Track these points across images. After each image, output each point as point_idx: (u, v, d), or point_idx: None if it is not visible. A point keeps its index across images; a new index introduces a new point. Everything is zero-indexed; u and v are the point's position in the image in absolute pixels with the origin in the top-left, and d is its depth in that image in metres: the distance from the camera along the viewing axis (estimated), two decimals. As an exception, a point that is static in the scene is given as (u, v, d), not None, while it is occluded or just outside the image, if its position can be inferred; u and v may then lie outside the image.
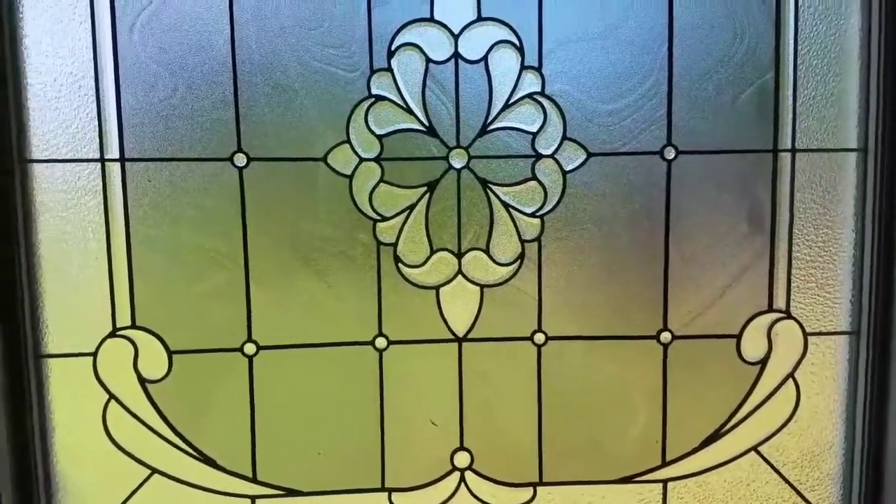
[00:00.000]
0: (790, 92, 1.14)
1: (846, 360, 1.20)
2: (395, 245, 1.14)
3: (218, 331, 1.14)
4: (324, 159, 1.11)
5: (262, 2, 1.08)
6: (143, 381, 1.14)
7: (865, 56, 1.13)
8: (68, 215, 1.10)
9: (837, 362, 1.20)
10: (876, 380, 1.17)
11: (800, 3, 1.13)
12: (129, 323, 1.13)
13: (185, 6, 1.08)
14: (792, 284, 1.18)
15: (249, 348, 1.14)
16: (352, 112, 1.10)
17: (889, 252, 1.14)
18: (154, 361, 1.14)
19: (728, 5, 1.12)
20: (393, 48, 1.09)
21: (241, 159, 1.11)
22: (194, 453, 1.15)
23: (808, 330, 1.19)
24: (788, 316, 1.19)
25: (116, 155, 1.09)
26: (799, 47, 1.13)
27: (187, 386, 1.15)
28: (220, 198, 1.12)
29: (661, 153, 1.14)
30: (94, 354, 1.13)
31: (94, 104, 1.08)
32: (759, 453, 1.21)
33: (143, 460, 1.15)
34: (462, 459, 1.19)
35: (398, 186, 1.12)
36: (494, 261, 1.15)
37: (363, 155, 1.11)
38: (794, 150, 1.15)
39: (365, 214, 1.13)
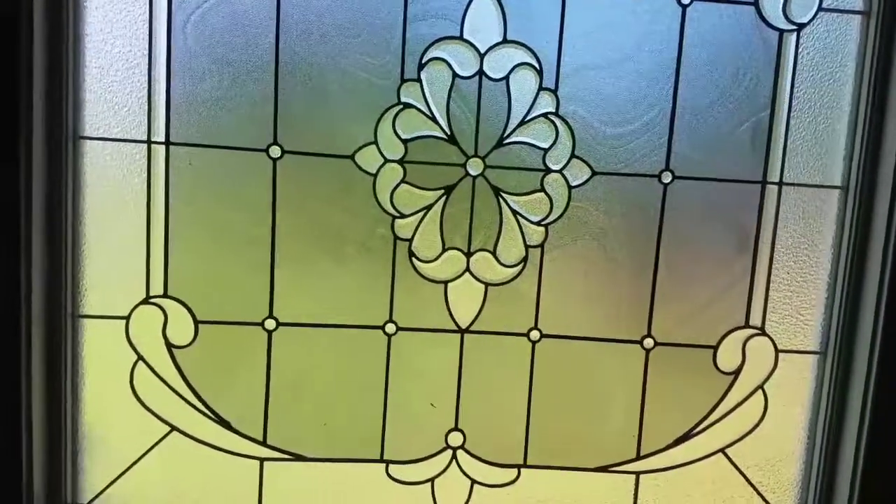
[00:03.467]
0: (783, 129, 1.24)
1: (813, 378, 1.31)
2: (410, 241, 1.24)
3: (242, 305, 1.24)
4: (352, 157, 1.21)
5: (307, 9, 1.17)
6: (170, 346, 1.24)
7: (855, 102, 1.23)
8: (114, 190, 1.19)
9: (804, 378, 1.31)
10: (837, 397, 1.28)
11: (799, 48, 1.22)
12: (161, 292, 1.22)
13: (236, 7, 1.17)
14: (768, 304, 1.29)
15: (270, 323, 1.24)
16: (381, 116, 1.20)
17: (859, 283, 1.24)
18: (182, 328, 1.23)
19: (733, 46, 1.22)
20: (423, 61, 1.19)
21: (275, 151, 1.20)
22: (211, 415, 1.26)
23: (779, 347, 1.30)
24: (763, 333, 1.29)
25: (162, 138, 1.19)
26: (795, 89, 1.23)
27: (210, 354, 1.25)
28: (254, 185, 1.21)
29: (659, 177, 1.24)
30: (127, 318, 1.22)
31: (146, 90, 1.17)
32: (726, 455, 1.32)
33: (164, 418, 1.25)
34: (455, 439, 1.29)
35: (418, 188, 1.22)
36: (500, 262, 1.25)
37: (388, 156, 1.21)
38: (781, 184, 1.25)
39: (385, 211, 1.22)
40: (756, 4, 1.21)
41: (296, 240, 1.23)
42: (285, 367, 1.26)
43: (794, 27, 1.22)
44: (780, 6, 1.21)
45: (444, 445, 1.30)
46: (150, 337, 1.23)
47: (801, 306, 1.29)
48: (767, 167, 1.25)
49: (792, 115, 1.24)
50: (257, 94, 1.19)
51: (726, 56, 1.22)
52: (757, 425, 1.31)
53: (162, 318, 1.23)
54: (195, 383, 1.25)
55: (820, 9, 1.21)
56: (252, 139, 1.20)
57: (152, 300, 1.22)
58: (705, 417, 1.31)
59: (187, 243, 1.22)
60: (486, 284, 1.26)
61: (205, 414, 1.26)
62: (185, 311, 1.23)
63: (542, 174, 1.23)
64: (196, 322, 1.23)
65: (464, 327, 1.27)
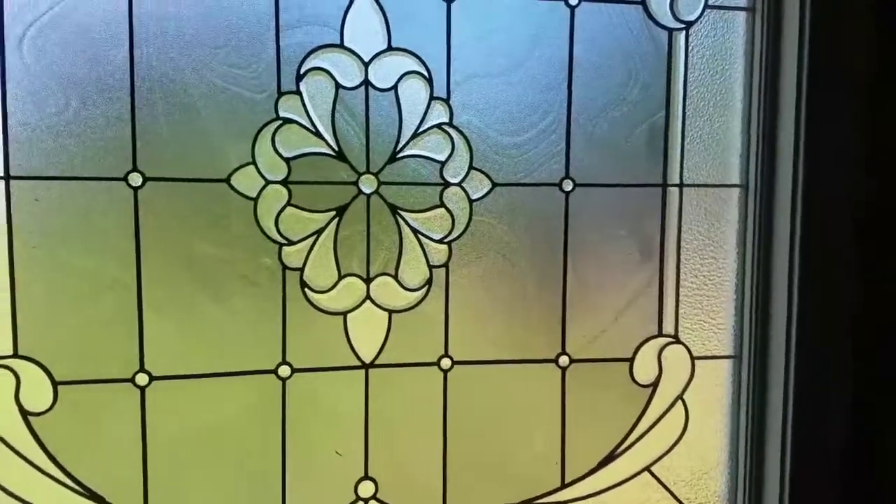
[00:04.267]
0: (679, 130, 1.22)
1: (730, 383, 1.28)
2: (301, 270, 1.12)
3: (108, 360, 1.08)
4: (227, 181, 1.08)
5: (164, 18, 1.05)
6: (25, 413, 1.06)
7: (747, 99, 1.23)
8: (-57, 235, 1.02)
9: (722, 384, 1.28)
10: (756, 401, 1.25)
11: (689, 49, 1.21)
12: (10, 352, 1.05)
13: (80, 19, 1.03)
14: (680, 310, 1.25)
15: (142, 378, 1.09)
16: (258, 133, 1.08)
17: (767, 282, 1.23)
18: (38, 392, 1.06)
19: (624, 47, 1.18)
20: (302, 72, 1.09)
21: (136, 179, 1.06)
22: (81, 490, 1.08)
23: (694, 354, 1.26)
24: (677, 340, 1.25)
25: (1, 172, 1.02)
26: (688, 88, 1.21)
27: (74, 419, 1.08)
28: (113, 219, 1.06)
29: (559, 185, 1.19)
30: (-31, 386, 1.04)
31: (-23, 117, 1.01)
32: (652, 473, 1.26)
33: (26, 499, 1.06)
34: (366, 489, 1.17)
35: (306, 210, 1.11)
36: (403, 286, 1.15)
37: (269, 177, 1.09)
38: (681, 185, 1.23)
39: (270, 238, 1.10)
40: (644, 4, 1.18)
41: (166, 280, 1.09)
42: (164, 426, 1.10)
43: (683, 25, 1.20)
44: (668, 4, 1.19)
45: (355, 497, 1.17)
46: (1, 405, 1.05)
47: (712, 310, 1.26)
48: (667, 169, 1.22)
49: (687, 115, 1.22)
50: (111, 115, 1.04)
51: (618, 58, 1.19)
52: (680, 438, 1.26)
53: (13, 381, 1.05)
54: (59, 455, 1.07)
55: (706, 6, 1.21)
56: (108, 167, 1.05)
57: (0, 362, 1.05)
58: (627, 434, 1.25)
59: (38, 293, 1.05)
60: (390, 312, 1.15)
61: (73, 490, 1.08)
62: (40, 371, 1.06)
63: (440, 188, 1.15)
64: (54, 383, 1.06)
65: (368, 362, 1.15)
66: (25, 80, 1.02)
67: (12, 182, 1.03)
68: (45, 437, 1.07)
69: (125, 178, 1.06)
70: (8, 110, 1.02)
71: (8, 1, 1.01)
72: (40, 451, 1.07)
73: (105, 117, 1.04)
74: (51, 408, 1.06)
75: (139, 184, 1.06)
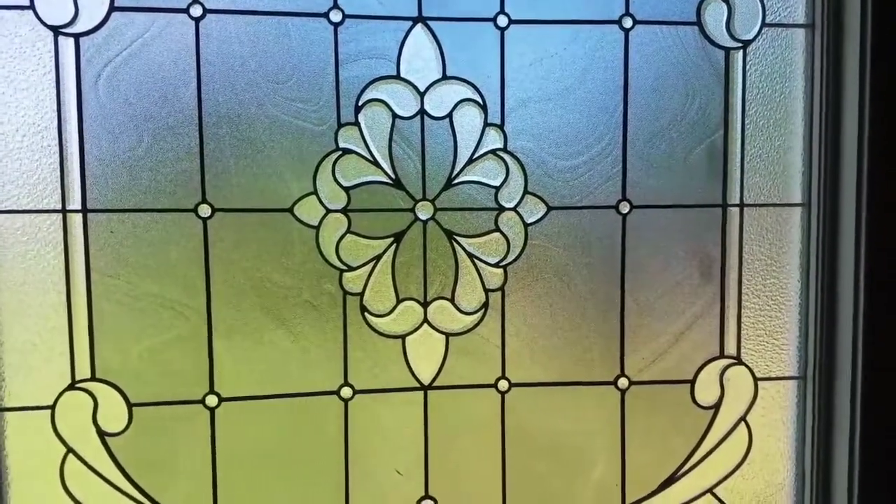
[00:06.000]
0: (738, 149, 1.20)
1: (794, 404, 1.25)
2: (361, 295, 1.15)
3: (180, 383, 1.13)
4: (290, 210, 1.12)
5: (229, 56, 1.09)
6: (102, 434, 1.11)
7: (808, 117, 1.20)
8: (28, 266, 1.08)
9: (786, 406, 1.25)
10: (822, 422, 1.22)
11: (747, 67, 1.19)
12: (88, 375, 1.10)
13: (152, 59, 1.08)
14: (742, 331, 1.23)
15: (211, 400, 1.13)
16: (319, 164, 1.12)
17: (832, 301, 1.20)
18: (114, 414, 1.11)
19: (680, 68, 1.18)
20: (360, 103, 1.12)
21: (205, 210, 1.11)
22: (154, 508, 1.14)
23: (758, 375, 1.24)
24: (739, 362, 1.23)
25: (79, 206, 1.08)
26: (746, 107, 1.20)
27: (148, 439, 1.13)
28: (183, 249, 1.11)
29: (616, 207, 1.19)
30: (53, 407, 1.10)
31: (57, 154, 1.07)
32: (714, 495, 1.24)
33: (101, 516, 1.13)
34: (427, 508, 1.20)
35: (365, 237, 1.14)
36: (459, 310, 1.17)
37: (330, 206, 1.12)
38: (742, 205, 1.21)
39: (331, 265, 1.13)
40: (699, 24, 1.17)
41: (234, 306, 1.13)
42: (233, 446, 1.14)
43: (740, 44, 1.19)
44: (724, 24, 1.18)
45: (415, 516, 1.19)
46: (80, 426, 1.11)
47: (775, 330, 1.24)
48: (726, 189, 1.21)
49: (746, 134, 1.20)
50: (181, 150, 1.09)
51: (674, 78, 1.18)
52: (743, 460, 1.24)
53: (91, 404, 1.11)
54: (134, 473, 1.13)
55: (764, 24, 1.19)
56: (178, 199, 1.10)
57: (79, 385, 1.10)
58: (689, 457, 1.23)
59: (114, 320, 1.11)
60: (447, 335, 1.17)
61: (146, 507, 1.14)
62: (116, 394, 1.11)
63: (495, 213, 1.16)
64: (129, 405, 1.12)
65: (426, 383, 1.17)
66: (101, 118, 1.08)
67: (89, 215, 1.09)
68: (121, 456, 1.12)
69: (195, 210, 1.11)
70: (85, 147, 1.08)
71: (84, 44, 1.07)
72: (116, 470, 1.12)
73: (175, 151, 1.10)
74: (126, 428, 1.12)
75: (208, 214, 1.11)
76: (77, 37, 1.06)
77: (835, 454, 1.21)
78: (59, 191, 1.08)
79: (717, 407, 1.23)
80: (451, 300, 1.17)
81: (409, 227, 1.14)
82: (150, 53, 1.08)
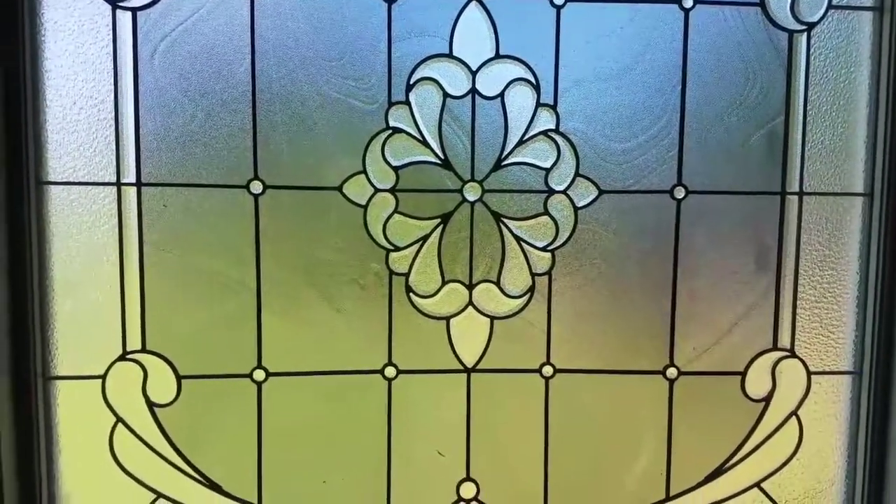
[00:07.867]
0: (799, 136, 1.16)
1: (848, 399, 1.22)
2: (407, 275, 1.14)
3: (228, 356, 1.14)
4: (339, 189, 1.12)
5: (282, 33, 1.09)
6: (151, 404, 1.14)
7: (874, 103, 1.16)
8: (82, 238, 1.10)
9: (840, 401, 1.22)
10: (877, 419, 1.18)
11: (811, 51, 1.15)
12: (139, 347, 1.12)
13: (207, 35, 1.09)
14: (797, 324, 1.20)
15: (259, 374, 1.15)
16: (369, 143, 1.11)
17: (892, 295, 1.16)
18: (163, 385, 1.13)
19: (741, 50, 1.14)
20: (411, 82, 1.11)
21: (257, 187, 1.11)
22: (200, 478, 1.15)
23: (811, 369, 1.20)
24: (793, 355, 1.20)
25: (133, 179, 1.10)
26: (809, 92, 1.16)
27: (196, 411, 1.15)
28: (234, 224, 1.12)
29: (671, 192, 1.16)
30: (103, 377, 1.12)
31: (113, 128, 1.09)
32: (762, 489, 1.22)
33: (149, 484, 1.15)
34: (468, 490, 1.19)
35: (412, 217, 1.13)
36: (505, 293, 1.16)
37: (378, 186, 1.12)
38: (801, 193, 1.17)
39: (378, 244, 1.13)
40: (762, 5, 1.13)
41: (283, 282, 1.14)
42: (278, 420, 1.15)
43: (804, 27, 1.14)
44: (788, 5, 1.14)
45: (456, 498, 1.19)
46: (130, 396, 1.13)
47: (831, 324, 1.20)
48: (786, 177, 1.17)
49: (808, 120, 1.16)
50: (234, 126, 1.10)
51: (734, 61, 1.14)
52: (793, 454, 1.21)
53: (141, 375, 1.13)
54: (180, 444, 1.15)
55: (830, 6, 1.14)
56: (231, 175, 1.11)
57: (130, 356, 1.12)
58: (737, 449, 1.21)
59: (165, 292, 1.12)
60: (492, 318, 1.16)
61: (193, 477, 1.15)
62: (166, 366, 1.13)
63: (545, 196, 1.14)
64: (178, 377, 1.13)
65: (470, 366, 1.17)
66: (156, 92, 1.09)
67: (143, 189, 1.10)
68: (168, 427, 1.14)
69: (247, 186, 1.11)
70: (140, 120, 1.09)
71: (141, 18, 1.08)
72: (164, 441, 1.14)
73: (228, 128, 1.10)
74: (175, 400, 1.14)
75: (260, 191, 1.11)
76: (135, 10, 1.07)
77: (889, 452, 1.18)
78: (115, 164, 1.09)
79: (767, 400, 1.20)
80: (497, 283, 1.16)
81: (456, 208, 1.14)
82: (205, 29, 1.09)
